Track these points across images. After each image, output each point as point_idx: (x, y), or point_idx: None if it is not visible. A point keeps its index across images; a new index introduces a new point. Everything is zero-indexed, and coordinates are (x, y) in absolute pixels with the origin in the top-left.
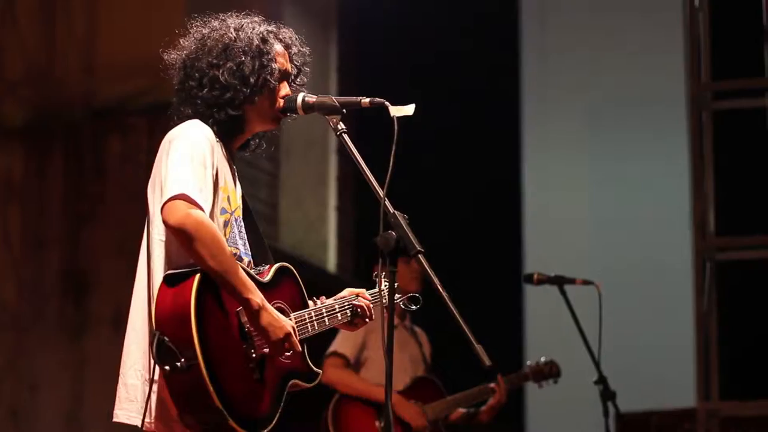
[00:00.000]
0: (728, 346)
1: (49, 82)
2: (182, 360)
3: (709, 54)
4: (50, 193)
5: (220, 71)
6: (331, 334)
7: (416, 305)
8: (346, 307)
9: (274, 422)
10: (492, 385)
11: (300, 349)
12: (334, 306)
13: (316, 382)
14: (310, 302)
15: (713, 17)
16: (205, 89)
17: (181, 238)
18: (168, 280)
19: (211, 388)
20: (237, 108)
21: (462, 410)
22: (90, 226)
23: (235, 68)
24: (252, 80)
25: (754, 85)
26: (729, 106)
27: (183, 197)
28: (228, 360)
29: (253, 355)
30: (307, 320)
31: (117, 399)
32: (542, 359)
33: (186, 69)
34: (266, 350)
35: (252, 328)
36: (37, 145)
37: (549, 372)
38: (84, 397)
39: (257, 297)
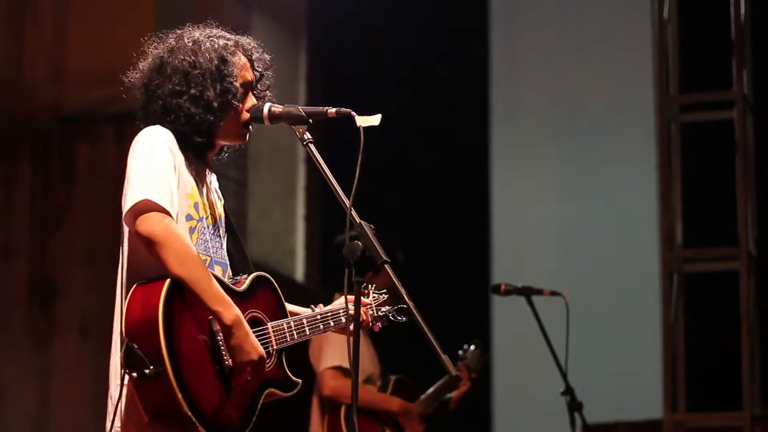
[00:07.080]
0: (695, 357)
1: (16, 90)
2: (151, 367)
3: (677, 67)
4: (17, 200)
5: (183, 99)
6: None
7: (407, 317)
8: (341, 314)
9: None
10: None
11: (261, 378)
12: (318, 316)
13: (294, 392)
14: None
15: (682, 30)
16: (172, 115)
17: (149, 244)
18: (138, 288)
19: (180, 396)
20: (203, 135)
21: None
22: (57, 233)
23: (198, 95)
24: (215, 105)
25: (722, 97)
26: (697, 118)
27: (149, 204)
28: (198, 368)
29: (227, 363)
30: (286, 330)
31: (107, 414)
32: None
33: (148, 94)
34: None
35: (222, 340)
36: (5, 152)
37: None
38: (51, 405)
39: (230, 313)
